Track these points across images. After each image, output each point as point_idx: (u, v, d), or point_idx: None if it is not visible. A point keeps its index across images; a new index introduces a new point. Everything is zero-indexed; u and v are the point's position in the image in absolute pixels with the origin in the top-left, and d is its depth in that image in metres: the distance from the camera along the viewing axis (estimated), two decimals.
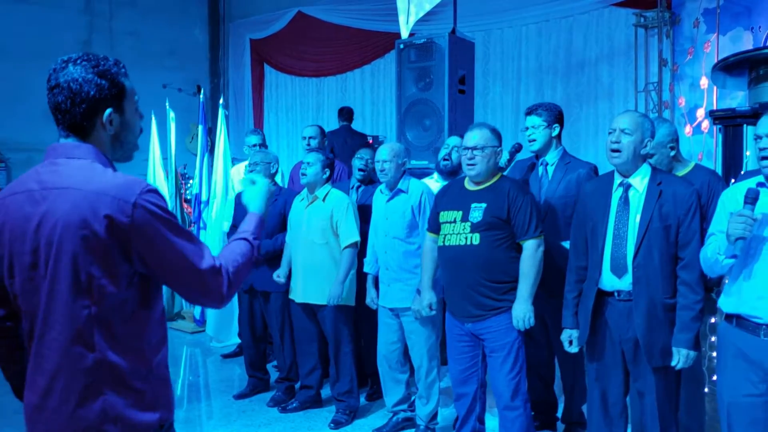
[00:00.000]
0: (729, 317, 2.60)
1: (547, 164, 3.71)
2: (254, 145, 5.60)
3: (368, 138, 8.06)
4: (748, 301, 2.49)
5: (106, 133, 1.67)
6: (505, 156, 3.76)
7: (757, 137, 2.52)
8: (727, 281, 2.65)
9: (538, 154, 3.74)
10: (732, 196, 2.63)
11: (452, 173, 4.15)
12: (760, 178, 2.57)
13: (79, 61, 1.63)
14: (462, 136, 4.16)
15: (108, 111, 1.65)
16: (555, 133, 3.68)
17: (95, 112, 1.64)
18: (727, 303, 2.59)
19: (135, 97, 1.73)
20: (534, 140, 3.68)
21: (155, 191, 1.63)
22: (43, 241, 1.58)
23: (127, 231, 1.55)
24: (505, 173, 3.77)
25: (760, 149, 2.49)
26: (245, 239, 1.81)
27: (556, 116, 3.69)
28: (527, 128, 3.70)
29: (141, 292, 1.64)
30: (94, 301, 1.57)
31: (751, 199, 2.44)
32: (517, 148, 3.92)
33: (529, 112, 3.72)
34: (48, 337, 1.60)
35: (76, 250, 1.55)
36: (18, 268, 1.62)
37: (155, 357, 1.69)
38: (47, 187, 1.60)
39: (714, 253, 2.57)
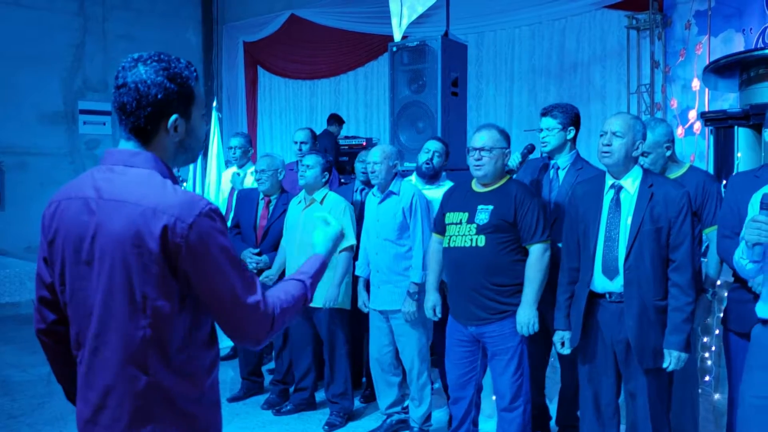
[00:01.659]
0: (764, 322, 2.56)
1: (558, 168, 3.62)
2: (232, 148, 5.57)
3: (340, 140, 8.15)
4: None
5: (169, 138, 1.60)
6: (517, 157, 3.68)
7: None
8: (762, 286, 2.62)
9: (551, 156, 3.65)
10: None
11: (433, 177, 4.14)
12: None
13: (149, 62, 1.56)
14: (443, 141, 4.18)
15: (174, 117, 1.58)
16: (570, 135, 3.57)
17: (161, 116, 1.56)
18: (761, 308, 2.57)
19: (204, 103, 1.67)
20: (546, 143, 3.58)
21: (216, 212, 1.54)
22: (98, 254, 1.52)
23: (179, 251, 1.48)
24: (516, 175, 3.75)
25: None
26: (302, 281, 1.73)
27: (572, 118, 3.58)
28: (541, 130, 3.60)
29: (194, 314, 1.57)
30: (149, 322, 1.51)
31: (767, 204, 2.42)
32: (530, 149, 3.83)
33: (545, 113, 3.61)
34: (102, 355, 1.54)
35: (131, 268, 1.49)
36: (70, 277, 1.57)
37: (207, 380, 1.63)
38: (103, 197, 1.53)
39: (739, 257, 2.57)
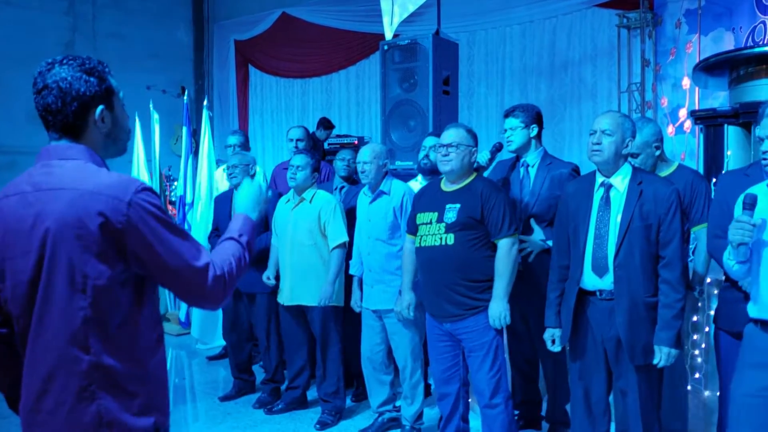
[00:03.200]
0: (755, 321, 2.57)
1: (528, 165, 3.71)
2: (230, 146, 5.58)
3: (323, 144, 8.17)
4: (766, 305, 2.48)
5: (98, 131, 1.66)
6: (486, 155, 3.79)
7: (760, 139, 2.52)
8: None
9: (518, 155, 3.76)
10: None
11: (432, 172, 4.18)
12: None
13: (65, 62, 1.63)
14: (439, 137, 4.22)
15: (100, 108, 1.65)
16: (533, 133, 3.69)
17: (87, 110, 1.63)
18: (752, 308, 2.58)
19: (120, 95, 1.73)
20: (511, 141, 3.71)
21: (150, 189, 1.61)
22: (37, 243, 1.55)
23: (122, 230, 1.53)
24: (486, 173, 3.80)
25: (764, 152, 2.49)
26: (233, 239, 1.78)
27: (533, 117, 3.70)
28: (506, 130, 3.73)
29: (136, 292, 1.62)
30: (89, 302, 1.55)
31: (749, 205, 2.43)
32: (498, 147, 3.95)
33: (507, 114, 3.74)
34: (42, 339, 1.57)
35: (70, 250, 1.53)
36: (9, 272, 1.60)
37: (152, 359, 1.66)
38: (41, 188, 1.58)
39: (727, 258, 2.58)
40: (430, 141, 4.20)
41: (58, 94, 1.60)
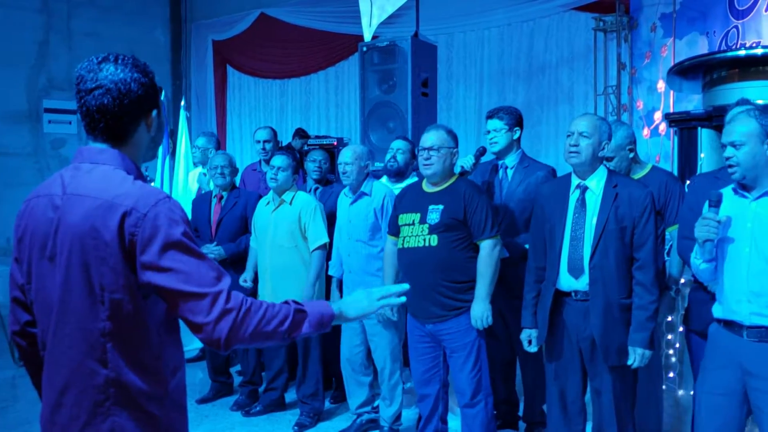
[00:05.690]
0: (719, 321, 2.64)
1: (506, 167, 3.76)
2: (197, 148, 5.56)
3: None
4: (729, 305, 2.54)
5: (147, 134, 1.62)
6: (470, 160, 3.79)
7: (723, 146, 2.58)
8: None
9: (499, 157, 3.78)
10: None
11: (398, 174, 4.20)
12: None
13: (120, 61, 1.55)
14: (407, 140, 4.26)
15: (155, 111, 1.61)
16: (516, 136, 3.74)
17: (141, 113, 1.58)
18: (716, 309, 2.63)
19: (162, 97, 1.69)
20: (496, 143, 3.72)
21: (173, 203, 1.53)
22: (58, 249, 1.51)
23: (134, 242, 1.47)
24: (470, 177, 3.80)
25: (726, 158, 2.55)
26: (288, 302, 1.59)
27: (516, 119, 3.74)
28: (489, 131, 3.75)
29: (160, 309, 1.55)
30: (108, 315, 1.49)
31: (715, 202, 2.50)
32: (482, 151, 3.96)
33: (491, 115, 3.76)
34: (58, 350, 1.53)
35: (88, 260, 1.48)
36: (36, 274, 1.57)
37: (172, 381, 1.61)
38: (67, 192, 1.54)
39: (694, 257, 2.63)
40: (397, 144, 4.22)
41: (117, 95, 1.53)
